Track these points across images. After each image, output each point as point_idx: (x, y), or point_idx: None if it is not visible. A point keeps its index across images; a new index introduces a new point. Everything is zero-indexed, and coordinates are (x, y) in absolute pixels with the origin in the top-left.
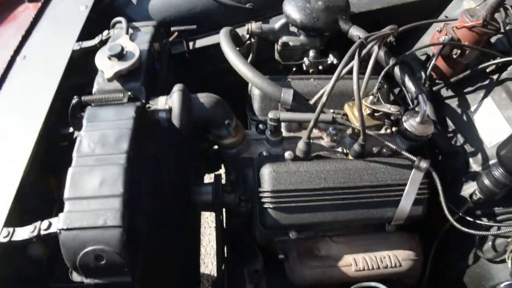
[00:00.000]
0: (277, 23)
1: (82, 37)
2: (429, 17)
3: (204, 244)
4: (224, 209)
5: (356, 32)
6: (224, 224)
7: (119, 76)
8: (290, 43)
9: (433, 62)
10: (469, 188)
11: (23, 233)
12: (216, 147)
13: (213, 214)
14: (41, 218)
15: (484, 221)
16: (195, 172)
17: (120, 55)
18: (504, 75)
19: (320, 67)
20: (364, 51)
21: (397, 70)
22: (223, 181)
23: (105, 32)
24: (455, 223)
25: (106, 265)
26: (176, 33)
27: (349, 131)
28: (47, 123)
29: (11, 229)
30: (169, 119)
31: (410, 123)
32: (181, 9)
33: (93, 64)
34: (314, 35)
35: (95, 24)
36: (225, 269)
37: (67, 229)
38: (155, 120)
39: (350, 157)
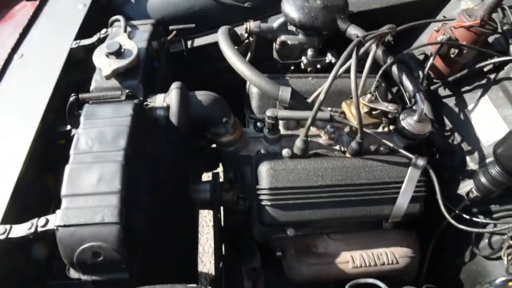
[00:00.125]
0: (275, 22)
1: (80, 35)
2: (427, 17)
3: (202, 243)
4: (222, 207)
5: (354, 31)
6: (222, 222)
7: (117, 74)
8: (289, 42)
9: (430, 61)
10: (466, 186)
11: (20, 230)
12: (214, 145)
13: (211, 212)
14: (38, 216)
15: (481, 219)
16: (193, 170)
17: (118, 53)
18: (501, 74)
19: (318, 66)
20: (362, 50)
21: (394, 68)
22: (221, 179)
23: (103, 30)
24: (451, 221)
25: (103, 262)
26: (174, 32)
27: (347, 129)
28: (44, 121)
29: (8, 226)
30: (167, 117)
31: (408, 122)
32: (179, 8)
33: (91, 62)
34: (312, 34)
35: (93, 22)
36: (223, 267)
37: (65, 226)
38: (153, 118)
39: (347, 155)
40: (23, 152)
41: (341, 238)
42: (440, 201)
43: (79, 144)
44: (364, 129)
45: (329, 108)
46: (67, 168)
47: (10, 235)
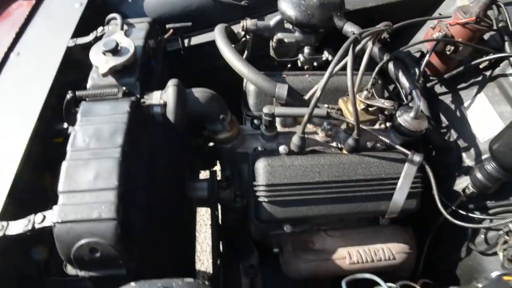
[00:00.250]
0: (272, 20)
1: (77, 34)
2: (423, 14)
3: (199, 242)
4: (219, 205)
5: (350, 28)
6: (220, 220)
7: (114, 72)
8: (285, 40)
9: (426, 58)
10: (462, 183)
11: (17, 226)
12: (211, 143)
13: (209, 211)
14: (35, 213)
15: (477, 215)
16: (190, 168)
17: (115, 51)
18: (497, 71)
19: (315, 64)
20: (358, 47)
21: (391, 66)
22: (219, 177)
23: (100, 29)
24: (447, 216)
25: (100, 258)
26: (171, 31)
27: (343, 126)
28: (41, 120)
29: (4, 223)
30: (164, 114)
31: (404, 118)
32: (176, 7)
33: (88, 60)
34: (309, 32)
35: (90, 21)
36: (221, 265)
37: (62, 222)
38: (150, 115)
39: (344, 151)
40: (20, 151)
41: (338, 234)
42: (436, 197)
43: (76, 141)
44: (360, 125)
45: (326, 105)
46: (64, 164)
47: (7, 232)
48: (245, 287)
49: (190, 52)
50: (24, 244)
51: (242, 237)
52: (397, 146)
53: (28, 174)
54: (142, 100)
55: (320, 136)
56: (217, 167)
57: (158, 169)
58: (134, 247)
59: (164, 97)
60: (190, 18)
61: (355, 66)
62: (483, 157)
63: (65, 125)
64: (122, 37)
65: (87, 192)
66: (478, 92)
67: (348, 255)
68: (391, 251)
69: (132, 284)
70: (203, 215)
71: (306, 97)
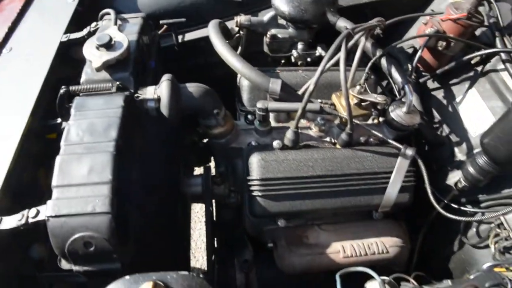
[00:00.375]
0: (266, 15)
1: (70, 29)
2: (416, 11)
3: (194, 238)
4: (214, 202)
5: (343, 24)
6: (214, 217)
7: (108, 66)
8: (279, 36)
9: (419, 53)
10: (455, 177)
11: (10, 221)
12: (205, 140)
13: (203, 208)
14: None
15: (469, 208)
16: (184, 163)
17: (109, 45)
18: (488, 66)
19: (309, 59)
20: (351, 43)
21: (383, 61)
22: (213, 173)
23: (93, 24)
24: (440, 210)
25: (95, 252)
26: (165, 26)
27: (337, 121)
28: (34, 115)
29: None
30: (158, 108)
31: (397, 113)
32: (170, 2)
33: (81, 56)
34: (302, 28)
35: (83, 16)
36: (215, 260)
37: (55, 216)
38: (144, 110)
39: (338, 146)
40: (13, 146)
41: (332, 228)
42: (428, 190)
43: (69, 136)
44: (354, 120)
45: (319, 100)
46: (58, 159)
47: (1, 227)
48: (239, 282)
49: (184, 48)
50: (21, 241)
51: (237, 233)
52: (390, 140)
53: (22, 170)
54: (136, 95)
55: (313, 131)
56: (212, 164)
57: (153, 164)
58: (128, 241)
59: (158, 91)
60: (184, 14)
61: (349, 62)
62: (475, 151)
63: (59, 120)
64: (115, 32)
65: (81, 186)
66: (470, 87)
67: (342, 249)
68: (384, 245)
69: (127, 277)
70: (198, 212)
71: (300, 92)
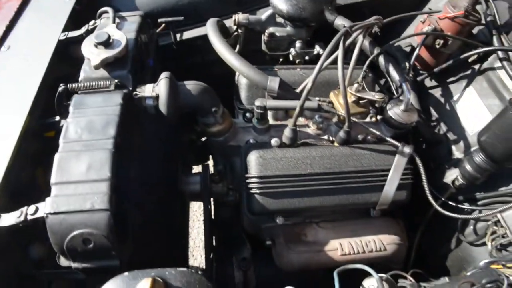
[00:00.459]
0: (264, 14)
1: (68, 28)
2: (414, 9)
3: (192, 237)
4: (212, 200)
5: (341, 22)
6: (213, 215)
7: (106, 64)
8: (277, 34)
9: (416, 51)
10: (452, 175)
11: (9, 218)
12: (203, 138)
13: (201, 206)
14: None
15: (466, 206)
16: (182, 161)
17: (107, 43)
18: (485, 65)
19: (307, 58)
20: (349, 41)
21: (381, 59)
22: (211, 171)
23: (91, 22)
24: (437, 207)
25: (93, 249)
26: (163, 25)
27: (335, 119)
28: (32, 114)
29: None
30: (156, 106)
31: (395, 111)
32: (168, 1)
33: (79, 54)
34: (300, 26)
35: (81, 15)
36: (213, 258)
37: (54, 213)
38: (142, 107)
39: (336, 144)
40: (11, 145)
41: (330, 226)
42: (426, 187)
43: (68, 133)
44: (351, 118)
45: (317, 98)
46: (57, 156)
47: (0, 224)
48: (237, 280)
49: (182, 46)
50: (20, 239)
51: (235, 231)
52: (388, 138)
53: (20, 168)
54: (134, 93)
55: (311, 129)
56: (210, 162)
57: (151, 162)
58: (127, 238)
59: (156, 89)
60: (182, 12)
61: (346, 61)
62: (472, 149)
63: (57, 118)
64: (114, 30)
65: (80, 183)
66: (467, 85)
67: (340, 247)
68: (382, 242)
69: (125, 273)
70: (196, 211)
71: (298, 90)
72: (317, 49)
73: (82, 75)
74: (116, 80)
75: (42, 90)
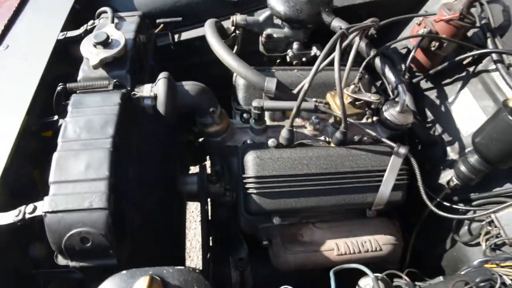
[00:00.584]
0: (261, 15)
1: (67, 27)
2: (410, 12)
3: (189, 238)
4: (209, 200)
5: (338, 24)
6: (210, 216)
7: (105, 64)
8: (274, 35)
9: (412, 53)
10: (447, 176)
11: (7, 217)
12: (201, 139)
13: (198, 208)
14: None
15: (461, 206)
16: (180, 161)
17: (106, 43)
18: (480, 67)
19: (304, 59)
20: (345, 42)
21: (377, 61)
22: (209, 172)
23: (90, 22)
24: (432, 207)
25: (91, 248)
26: (161, 25)
27: (331, 120)
28: (30, 113)
29: None
30: (154, 106)
31: (390, 113)
32: (166, 2)
33: (78, 54)
34: (297, 27)
35: (80, 15)
36: (211, 258)
37: (52, 212)
38: (141, 107)
39: (332, 145)
40: (9, 144)
41: (326, 226)
42: (421, 188)
43: (66, 132)
44: (348, 119)
45: (313, 99)
46: (55, 155)
47: None
48: (234, 280)
49: (181, 47)
50: (19, 239)
51: (232, 231)
52: (383, 139)
53: (18, 167)
54: (133, 93)
55: (308, 130)
56: (207, 163)
57: (149, 162)
58: (125, 237)
59: (154, 89)
60: (180, 13)
61: (343, 62)
62: (467, 150)
63: (55, 118)
64: (113, 30)
65: (78, 182)
66: (462, 87)
67: (336, 247)
68: (378, 242)
69: (124, 272)
70: (193, 212)
71: (295, 91)
72: (314, 50)
73: (80, 75)
74: (114, 80)
75: (41, 90)
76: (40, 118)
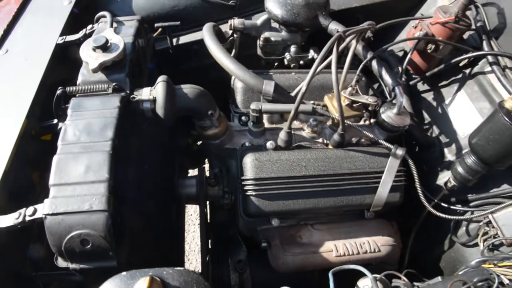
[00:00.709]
0: (259, 19)
1: (66, 32)
2: (406, 15)
3: (188, 241)
4: (208, 204)
5: (335, 27)
6: (209, 219)
7: (104, 67)
8: (272, 39)
9: (409, 56)
10: (444, 177)
11: (8, 220)
12: (199, 143)
13: (197, 211)
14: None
15: (458, 207)
16: (179, 165)
17: (105, 47)
18: (476, 69)
19: (301, 62)
20: (342, 45)
21: (374, 63)
22: (207, 174)
23: (89, 26)
24: (430, 208)
25: (91, 250)
26: (159, 29)
27: (329, 122)
28: (30, 117)
29: None
30: (154, 109)
31: (388, 115)
32: (164, 6)
33: (77, 58)
34: (295, 31)
35: (79, 19)
36: (210, 261)
37: (53, 214)
38: (140, 111)
39: (330, 147)
40: (8, 148)
41: (325, 228)
42: (418, 189)
43: (66, 135)
44: (346, 121)
45: (311, 102)
46: (55, 158)
47: None
48: (233, 282)
49: (179, 51)
50: (19, 242)
51: (231, 233)
52: (381, 141)
53: (18, 170)
54: (132, 96)
55: (306, 132)
56: (206, 166)
57: (149, 165)
58: (125, 240)
59: (153, 92)
60: (179, 17)
61: (340, 65)
62: (464, 151)
63: (55, 121)
64: (112, 34)
65: (78, 185)
66: (458, 89)
67: (334, 248)
68: (376, 243)
69: (123, 273)
70: (191, 215)
71: (293, 94)
72: (311, 53)
73: (80, 79)
74: (114, 84)
75: (40, 94)
76: (39, 121)
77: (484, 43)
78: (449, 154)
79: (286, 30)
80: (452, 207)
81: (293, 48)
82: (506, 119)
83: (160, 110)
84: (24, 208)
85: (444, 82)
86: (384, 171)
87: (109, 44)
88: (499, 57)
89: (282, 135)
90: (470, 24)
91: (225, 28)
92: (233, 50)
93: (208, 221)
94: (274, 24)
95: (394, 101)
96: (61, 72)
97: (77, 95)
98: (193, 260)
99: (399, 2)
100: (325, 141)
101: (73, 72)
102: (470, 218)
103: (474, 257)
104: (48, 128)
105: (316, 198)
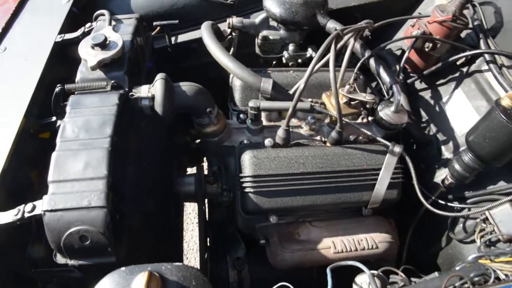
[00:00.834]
0: (257, 17)
1: (65, 30)
2: (404, 14)
3: (186, 240)
4: (206, 201)
5: (333, 25)
6: (207, 216)
7: (103, 65)
8: (270, 37)
9: (406, 54)
10: (442, 174)
11: (6, 216)
12: (198, 141)
13: (195, 209)
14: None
15: (456, 204)
16: (177, 163)
17: (103, 45)
18: (473, 67)
19: (300, 60)
20: (340, 44)
21: (372, 62)
22: (206, 172)
23: (88, 24)
24: (428, 206)
25: (90, 246)
26: (158, 28)
27: (327, 120)
28: (28, 115)
29: None
30: (152, 107)
31: (385, 112)
32: (163, 5)
33: (76, 56)
34: (293, 29)
35: (77, 17)
36: (208, 258)
37: (51, 211)
38: (138, 108)
39: (328, 144)
40: (7, 145)
41: (323, 225)
42: (416, 187)
43: (65, 132)
44: (343, 119)
45: (309, 100)
46: (54, 155)
47: None
48: (232, 279)
49: (177, 49)
50: (18, 239)
51: (229, 230)
52: (378, 138)
53: (16, 168)
54: (130, 93)
55: (304, 130)
56: (204, 164)
57: (147, 163)
58: (124, 236)
59: (152, 90)
60: (177, 16)
61: (338, 63)
62: (461, 149)
63: (53, 119)
64: (110, 32)
65: (77, 181)
66: (456, 87)
67: (332, 245)
68: (374, 240)
69: (122, 268)
70: (190, 214)
71: (291, 91)
72: (309, 52)
73: (78, 76)
74: (112, 81)
75: (39, 92)
76: (38, 119)
77: (481, 41)
78: (446, 152)
79: (284, 28)
80: (449, 204)
81: (291, 47)
82: (503, 116)
83: (158, 107)
84: (23, 205)
85: (441, 81)
86: (381, 168)
87: (107, 42)
88: (496, 56)
89: (280, 133)
90: (467, 22)
91: (223, 26)
92: (232, 49)
93: (207, 219)
94: (273, 23)
95: (391, 99)
96: (59, 70)
97: (75, 92)
98: (192, 258)
99: (397, 1)
100: (323, 139)
101: (71, 70)
102: (467, 215)
103: (471, 254)
104: (47, 126)
105: (314, 195)
